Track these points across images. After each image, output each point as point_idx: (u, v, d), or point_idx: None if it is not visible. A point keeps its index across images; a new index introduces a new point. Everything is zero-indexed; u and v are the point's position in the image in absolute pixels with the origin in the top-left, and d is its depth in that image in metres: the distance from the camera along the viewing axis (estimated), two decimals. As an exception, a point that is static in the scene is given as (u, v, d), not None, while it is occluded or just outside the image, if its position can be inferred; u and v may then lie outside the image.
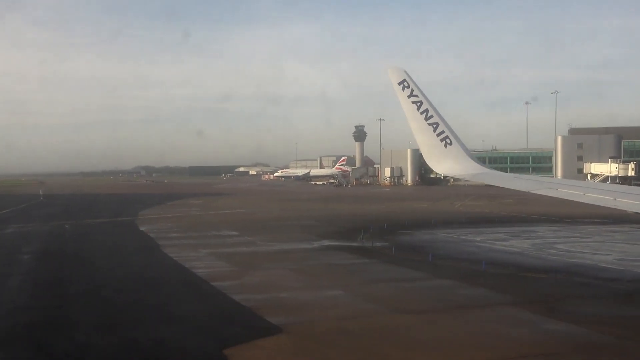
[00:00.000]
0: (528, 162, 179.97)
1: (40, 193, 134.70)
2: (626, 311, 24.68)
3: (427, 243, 44.96)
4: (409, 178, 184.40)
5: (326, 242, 45.34)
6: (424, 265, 35.12)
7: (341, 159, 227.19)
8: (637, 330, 21.34)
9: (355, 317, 23.21)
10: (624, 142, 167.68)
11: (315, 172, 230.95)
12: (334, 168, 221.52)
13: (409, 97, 20.88)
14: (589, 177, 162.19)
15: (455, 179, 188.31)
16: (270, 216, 69.39)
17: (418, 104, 20.88)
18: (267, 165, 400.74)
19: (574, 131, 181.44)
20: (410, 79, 20.77)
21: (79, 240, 48.75)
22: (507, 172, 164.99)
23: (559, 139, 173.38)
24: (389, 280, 31.08)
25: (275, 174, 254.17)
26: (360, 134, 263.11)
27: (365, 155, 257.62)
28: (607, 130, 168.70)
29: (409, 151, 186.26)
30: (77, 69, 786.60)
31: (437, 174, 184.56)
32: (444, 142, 21.01)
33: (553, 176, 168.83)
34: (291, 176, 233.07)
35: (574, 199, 17.44)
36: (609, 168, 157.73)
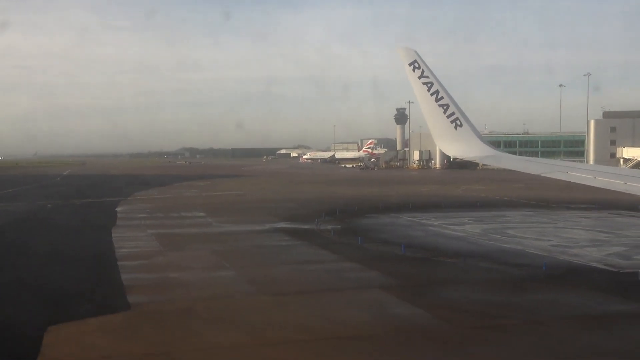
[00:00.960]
0: (560, 147, 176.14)
1: (64, 173, 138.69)
2: (489, 297, 24.59)
3: (377, 227, 45.06)
4: (437, 161, 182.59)
5: (280, 225, 45.93)
6: (346, 249, 35.45)
7: (368, 142, 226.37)
8: (472, 315, 21.41)
9: (218, 297, 23.88)
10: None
11: (340, 154, 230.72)
12: (362, 151, 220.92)
13: (419, 78, 20.77)
14: (621, 162, 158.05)
15: (485, 164, 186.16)
16: (257, 198, 70.26)
17: (428, 85, 20.71)
18: (308, 148, 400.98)
19: (608, 114, 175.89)
20: (421, 59, 20.71)
21: (38, 219, 50.60)
22: (538, 156, 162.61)
23: (592, 122, 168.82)
24: (295, 263, 31.57)
25: (304, 157, 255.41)
26: (401, 117, 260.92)
27: (406, 138, 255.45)
28: (626, 114, 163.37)
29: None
30: (126, 52, 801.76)
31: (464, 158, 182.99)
32: (454, 124, 20.77)
33: (585, 161, 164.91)
34: (318, 159, 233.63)
35: (585, 183, 17.26)
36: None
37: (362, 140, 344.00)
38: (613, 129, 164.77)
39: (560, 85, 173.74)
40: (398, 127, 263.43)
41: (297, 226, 45.03)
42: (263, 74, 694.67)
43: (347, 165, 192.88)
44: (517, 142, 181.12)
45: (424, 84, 20.83)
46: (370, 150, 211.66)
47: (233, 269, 29.36)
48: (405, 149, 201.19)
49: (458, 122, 20.84)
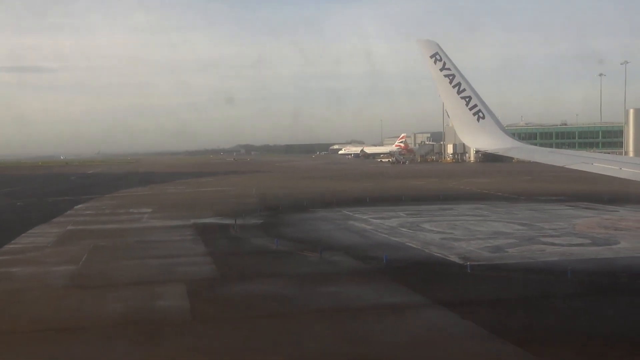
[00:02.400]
0: (598, 137, 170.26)
1: (89, 172, 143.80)
2: (280, 289, 24.77)
3: (297, 222, 45.31)
4: (471, 155, 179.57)
5: (207, 220, 46.86)
6: (227, 242, 36.61)
7: (400, 136, 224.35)
8: (230, 306, 22.10)
9: (22, 290, 25.00)
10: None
11: (369, 149, 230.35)
12: (394, 145, 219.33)
13: (441, 70, 20.90)
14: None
15: (507, 155, 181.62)
16: (233, 194, 71.43)
17: (450, 78, 20.88)
18: (361, 143, 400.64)
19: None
20: (443, 51, 20.93)
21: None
22: (574, 148, 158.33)
23: (631, 112, 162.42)
24: (153, 257, 32.47)
25: (340, 152, 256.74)
26: None
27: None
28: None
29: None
30: (188, 52, 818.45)
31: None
32: (476, 116, 20.88)
33: (623, 152, 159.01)
34: (351, 154, 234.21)
35: (610, 174, 17.22)
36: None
37: (415, 134, 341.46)
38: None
39: (600, 75, 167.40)
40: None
41: (221, 222, 45.71)
42: (319, 70, 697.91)
43: (382, 160, 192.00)
44: (554, 133, 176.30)
45: (445, 76, 20.97)
46: (402, 144, 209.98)
47: (81, 263, 30.42)
48: (441, 142, 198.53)
49: (480, 114, 20.90)
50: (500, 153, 21.92)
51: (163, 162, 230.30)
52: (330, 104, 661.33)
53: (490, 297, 23.28)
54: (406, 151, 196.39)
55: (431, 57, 20.94)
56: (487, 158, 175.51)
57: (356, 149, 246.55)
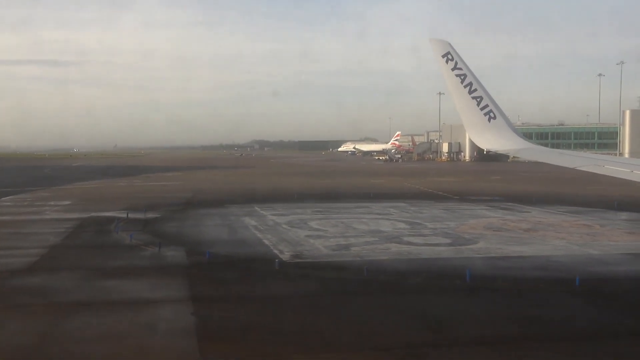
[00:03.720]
0: (594, 138, 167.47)
1: (75, 165, 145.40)
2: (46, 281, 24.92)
3: (183, 217, 45.40)
4: (466, 154, 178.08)
5: (106, 214, 46.98)
6: (84, 236, 37.12)
7: (396, 134, 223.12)
8: None
9: None
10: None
11: (365, 147, 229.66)
12: (390, 143, 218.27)
13: (452, 69, 20.85)
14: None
15: (515, 155, 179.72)
16: (177, 189, 71.70)
17: (462, 77, 20.80)
18: (375, 140, 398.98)
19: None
20: (455, 51, 20.84)
21: None
22: (570, 148, 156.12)
23: (627, 113, 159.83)
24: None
25: (339, 149, 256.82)
26: None
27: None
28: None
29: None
30: (204, 47, 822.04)
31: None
32: (487, 116, 20.79)
33: (618, 153, 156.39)
34: (348, 151, 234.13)
35: (622, 177, 17.13)
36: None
37: (428, 133, 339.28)
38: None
39: (599, 75, 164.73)
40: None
41: (117, 215, 45.74)
42: (335, 67, 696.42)
43: (380, 158, 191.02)
44: (549, 133, 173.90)
45: (457, 75, 20.96)
46: (396, 142, 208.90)
47: None
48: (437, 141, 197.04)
49: (492, 114, 20.86)
50: (511, 154, 22.20)
51: (169, 157, 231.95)
52: (348, 101, 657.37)
53: (254, 294, 23.15)
54: (404, 150, 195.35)
55: (443, 56, 20.91)
56: (482, 157, 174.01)
57: (350, 147, 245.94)
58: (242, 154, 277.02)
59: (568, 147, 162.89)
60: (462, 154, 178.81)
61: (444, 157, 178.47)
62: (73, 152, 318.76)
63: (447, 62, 20.68)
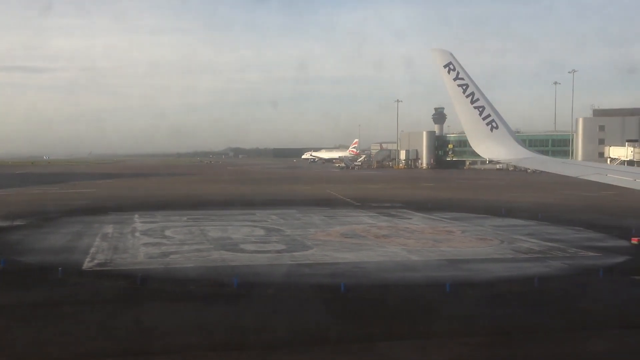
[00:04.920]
0: (548, 145, 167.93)
1: (17, 172, 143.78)
2: None
3: (44, 225, 44.47)
4: (424, 161, 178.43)
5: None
6: None
7: (353, 142, 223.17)
8: None
9: None
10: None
11: (322, 154, 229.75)
12: (348, 151, 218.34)
13: (454, 80, 20.92)
14: (608, 162, 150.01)
15: (472, 162, 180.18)
16: (69, 197, 70.67)
17: (464, 87, 20.90)
18: (347, 147, 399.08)
19: (598, 113, 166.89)
20: (457, 61, 20.85)
21: None
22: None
23: (580, 121, 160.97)
24: None
25: (303, 157, 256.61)
26: (439, 116, 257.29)
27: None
28: (632, 112, 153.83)
29: (424, 134, 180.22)
30: (179, 54, 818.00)
31: (453, 157, 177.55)
32: (489, 125, 20.86)
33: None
34: (309, 159, 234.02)
35: (624, 185, 17.27)
36: (626, 152, 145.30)
37: (381, 143, 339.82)
38: (602, 128, 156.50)
39: (555, 83, 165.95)
40: (436, 126, 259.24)
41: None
42: (312, 75, 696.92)
43: (340, 165, 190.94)
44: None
45: (459, 85, 20.90)
46: (354, 150, 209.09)
47: None
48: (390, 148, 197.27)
49: (494, 124, 20.78)
50: (514, 163, 22.11)
51: (133, 164, 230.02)
52: (321, 108, 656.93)
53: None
54: (363, 157, 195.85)
55: (445, 66, 20.83)
56: (439, 164, 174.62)
57: (317, 154, 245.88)
58: (210, 162, 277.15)
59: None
60: (420, 161, 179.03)
61: (401, 165, 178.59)
62: (42, 159, 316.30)
63: (449, 72, 20.65)
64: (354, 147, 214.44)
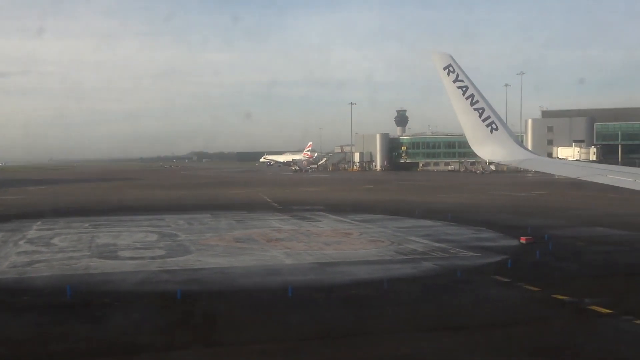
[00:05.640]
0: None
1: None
2: None
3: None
4: (377, 163, 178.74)
5: None
6: None
7: (308, 145, 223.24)
8: None
9: None
10: (597, 124, 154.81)
11: (277, 158, 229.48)
12: (302, 154, 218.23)
13: (454, 82, 20.77)
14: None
15: (425, 164, 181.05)
16: (5, 204, 69.10)
17: (463, 89, 20.75)
18: (312, 151, 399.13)
19: (546, 114, 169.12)
20: (456, 63, 20.71)
21: None
22: (477, 157, 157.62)
23: (529, 121, 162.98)
24: None
25: (260, 160, 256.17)
26: (402, 119, 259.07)
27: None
28: (579, 113, 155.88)
29: (378, 136, 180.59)
30: (140, 57, 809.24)
31: (406, 159, 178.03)
32: (489, 127, 20.74)
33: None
34: (265, 162, 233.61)
35: (624, 186, 16.99)
36: (573, 152, 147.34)
37: (341, 146, 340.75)
38: (550, 129, 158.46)
39: (506, 85, 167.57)
40: (398, 128, 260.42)
41: None
42: (274, 77, 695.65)
43: (295, 168, 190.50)
44: (457, 143, 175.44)
45: (458, 87, 20.73)
46: (308, 153, 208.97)
47: None
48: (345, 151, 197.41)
49: (494, 125, 20.65)
50: (514, 165, 22.42)
51: (91, 170, 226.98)
52: (286, 111, 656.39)
53: None
54: (312, 160, 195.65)
55: (444, 69, 20.75)
56: (393, 167, 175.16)
57: (273, 158, 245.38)
58: (170, 166, 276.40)
59: (475, 155, 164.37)
60: (374, 163, 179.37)
61: (355, 167, 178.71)
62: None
63: (448, 74, 20.59)
64: (308, 150, 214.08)
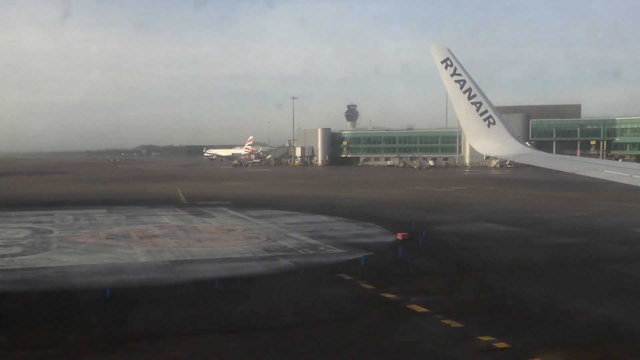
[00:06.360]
0: (437, 142, 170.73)
1: None
2: None
3: None
4: (319, 158, 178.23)
5: None
6: None
7: (249, 139, 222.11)
8: None
9: None
10: (532, 121, 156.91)
11: (220, 152, 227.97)
12: (243, 148, 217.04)
13: (451, 75, 20.24)
14: (484, 157, 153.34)
15: (366, 159, 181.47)
16: None
17: (461, 83, 20.23)
18: (264, 145, 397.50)
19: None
20: (454, 57, 20.17)
21: None
22: (417, 151, 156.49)
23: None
24: None
25: (205, 154, 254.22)
26: (352, 114, 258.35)
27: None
28: (515, 110, 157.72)
29: (319, 131, 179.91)
30: (92, 49, 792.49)
31: (347, 154, 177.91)
32: (487, 121, 20.21)
33: (457, 158, 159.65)
34: (209, 156, 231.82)
35: (621, 181, 16.48)
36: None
37: (293, 141, 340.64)
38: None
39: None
40: (349, 123, 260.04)
41: None
42: (229, 72, 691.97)
43: (235, 162, 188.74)
44: (397, 138, 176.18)
45: (456, 81, 20.40)
46: (249, 147, 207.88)
47: None
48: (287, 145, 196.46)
49: (491, 119, 20.31)
50: (511, 159, 21.93)
51: (30, 164, 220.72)
52: (238, 105, 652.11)
53: None
54: (256, 154, 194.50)
55: (442, 62, 20.47)
56: (333, 161, 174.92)
57: (215, 152, 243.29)
58: (115, 160, 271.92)
59: (415, 150, 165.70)
60: (315, 157, 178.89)
61: (297, 161, 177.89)
62: None
63: (446, 67, 20.42)
64: (249, 145, 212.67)
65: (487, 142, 20.75)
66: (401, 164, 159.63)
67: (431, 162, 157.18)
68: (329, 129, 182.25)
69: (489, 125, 20.24)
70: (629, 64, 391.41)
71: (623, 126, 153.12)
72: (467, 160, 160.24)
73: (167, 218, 46.50)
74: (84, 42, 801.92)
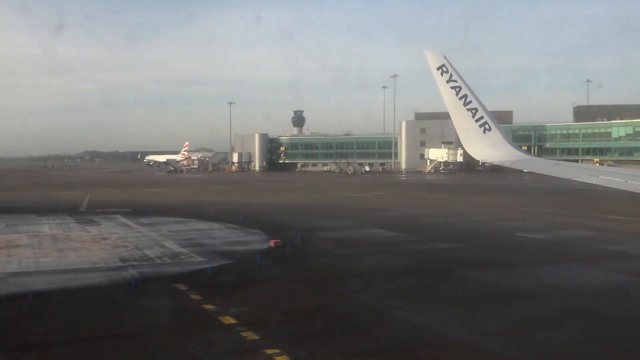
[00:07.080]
0: (374, 148, 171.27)
1: None
2: None
3: None
4: (256, 164, 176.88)
5: None
6: None
7: (184, 145, 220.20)
8: None
9: None
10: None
11: (158, 158, 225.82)
12: (180, 154, 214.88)
13: (447, 82, 20.43)
14: (428, 163, 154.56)
15: (304, 165, 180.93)
16: None
17: (457, 89, 20.44)
18: (210, 150, 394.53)
19: (419, 116, 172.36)
20: (450, 64, 20.43)
21: None
22: (354, 157, 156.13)
23: (403, 123, 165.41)
24: None
25: (145, 160, 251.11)
26: (299, 119, 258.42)
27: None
28: (447, 115, 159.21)
29: (256, 136, 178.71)
30: (36, 52, 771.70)
31: (285, 160, 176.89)
32: (482, 127, 20.37)
33: (392, 163, 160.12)
34: (148, 162, 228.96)
35: (616, 187, 16.67)
36: (442, 153, 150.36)
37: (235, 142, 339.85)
38: (423, 130, 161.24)
39: (384, 87, 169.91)
40: (295, 129, 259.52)
41: None
42: (177, 75, 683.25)
43: (170, 168, 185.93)
44: (334, 143, 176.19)
45: (452, 88, 20.57)
46: (185, 153, 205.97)
47: None
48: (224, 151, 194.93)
49: (487, 126, 20.49)
50: (507, 165, 21.92)
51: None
52: (186, 110, 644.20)
53: None
54: (192, 160, 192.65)
55: (438, 69, 20.66)
56: (271, 167, 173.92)
57: (153, 158, 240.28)
58: (53, 166, 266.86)
59: (352, 156, 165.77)
60: (253, 163, 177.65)
61: (234, 167, 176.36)
62: None
63: (442, 74, 20.64)
64: (185, 150, 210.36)
65: (482, 148, 20.96)
66: (337, 170, 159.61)
67: (367, 168, 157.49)
68: (267, 134, 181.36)
69: (484, 132, 20.60)
70: (558, 70, 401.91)
71: (553, 132, 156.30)
72: (403, 166, 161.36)
73: (47, 227, 44.59)
74: (24, 44, 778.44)
